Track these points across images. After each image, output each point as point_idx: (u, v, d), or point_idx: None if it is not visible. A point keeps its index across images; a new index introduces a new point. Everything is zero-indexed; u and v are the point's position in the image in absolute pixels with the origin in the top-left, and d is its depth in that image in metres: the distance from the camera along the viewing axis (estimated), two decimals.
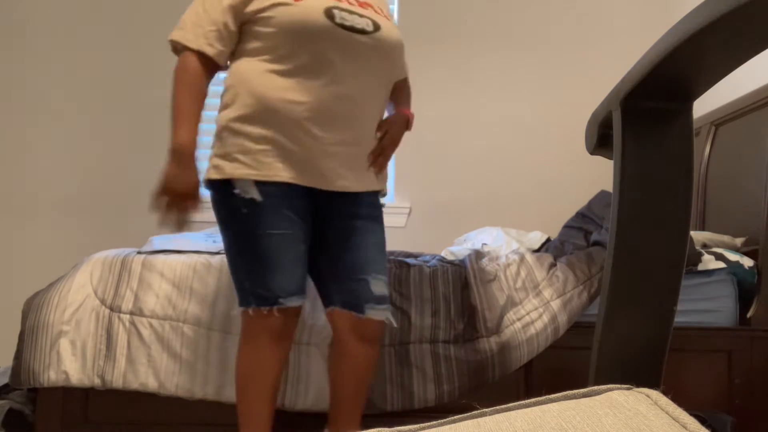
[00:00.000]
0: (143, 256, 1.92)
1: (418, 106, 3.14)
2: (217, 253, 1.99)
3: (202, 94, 1.54)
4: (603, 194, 2.43)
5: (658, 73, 0.84)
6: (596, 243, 2.13)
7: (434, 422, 0.56)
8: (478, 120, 3.19)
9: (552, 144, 3.16)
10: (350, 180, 1.53)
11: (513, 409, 0.54)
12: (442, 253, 2.46)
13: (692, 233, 2.19)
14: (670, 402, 0.50)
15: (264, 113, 1.45)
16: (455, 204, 3.13)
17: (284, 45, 1.44)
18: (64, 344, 1.78)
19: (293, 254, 1.48)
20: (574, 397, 0.54)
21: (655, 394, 0.52)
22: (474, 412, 0.55)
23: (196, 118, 1.50)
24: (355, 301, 1.52)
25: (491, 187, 3.15)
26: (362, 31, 1.47)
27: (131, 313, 1.82)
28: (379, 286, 1.52)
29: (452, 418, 0.56)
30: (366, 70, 1.50)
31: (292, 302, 1.48)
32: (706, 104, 2.63)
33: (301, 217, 1.49)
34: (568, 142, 3.14)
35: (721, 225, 2.42)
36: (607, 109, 1.00)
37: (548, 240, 2.52)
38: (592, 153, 1.12)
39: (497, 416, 0.53)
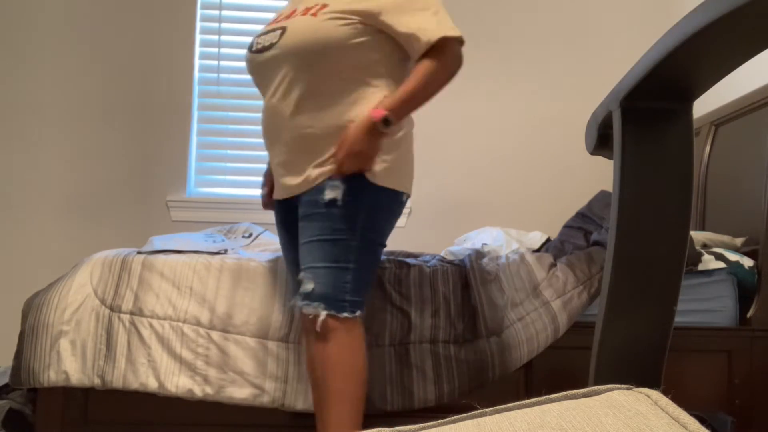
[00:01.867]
0: (143, 256, 1.92)
1: None
2: (217, 253, 1.99)
3: None
4: (603, 194, 2.43)
5: (658, 73, 0.84)
6: (596, 243, 2.13)
7: (434, 422, 0.56)
8: (478, 120, 3.19)
9: (552, 144, 3.16)
10: (280, 189, 1.64)
11: (513, 409, 0.54)
12: (442, 253, 2.46)
13: (692, 233, 2.19)
14: (670, 402, 0.50)
15: None
16: (455, 204, 3.13)
17: None
18: (64, 344, 1.78)
19: (287, 262, 1.75)
20: (574, 397, 0.54)
21: (655, 394, 0.52)
22: (474, 412, 0.55)
23: None
24: (297, 299, 1.58)
25: (491, 187, 3.15)
26: (269, 46, 1.55)
27: (131, 313, 1.82)
28: (305, 284, 1.52)
29: (452, 418, 0.56)
30: (271, 80, 1.57)
31: (291, 302, 1.71)
32: (706, 104, 2.62)
33: (285, 229, 1.71)
34: (568, 142, 3.14)
35: (721, 225, 2.42)
36: (607, 109, 1.00)
37: (548, 240, 2.52)
38: (592, 153, 1.12)
39: (497, 416, 0.53)
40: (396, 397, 1.80)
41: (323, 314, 1.49)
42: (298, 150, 1.55)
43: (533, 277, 1.97)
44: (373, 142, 1.47)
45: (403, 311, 1.86)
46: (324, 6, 1.52)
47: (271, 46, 1.54)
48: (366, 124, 1.46)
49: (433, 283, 1.91)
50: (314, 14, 1.52)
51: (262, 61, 1.57)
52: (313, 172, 1.52)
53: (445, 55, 1.52)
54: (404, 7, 1.51)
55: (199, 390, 1.77)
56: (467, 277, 1.93)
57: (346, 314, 1.49)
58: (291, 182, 1.57)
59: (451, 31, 1.51)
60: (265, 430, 1.83)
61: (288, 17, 1.58)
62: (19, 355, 1.79)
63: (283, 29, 1.54)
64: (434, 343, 1.85)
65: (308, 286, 1.51)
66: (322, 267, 1.50)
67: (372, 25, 1.52)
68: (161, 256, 1.92)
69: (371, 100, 1.52)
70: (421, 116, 3.11)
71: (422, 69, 1.51)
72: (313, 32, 1.50)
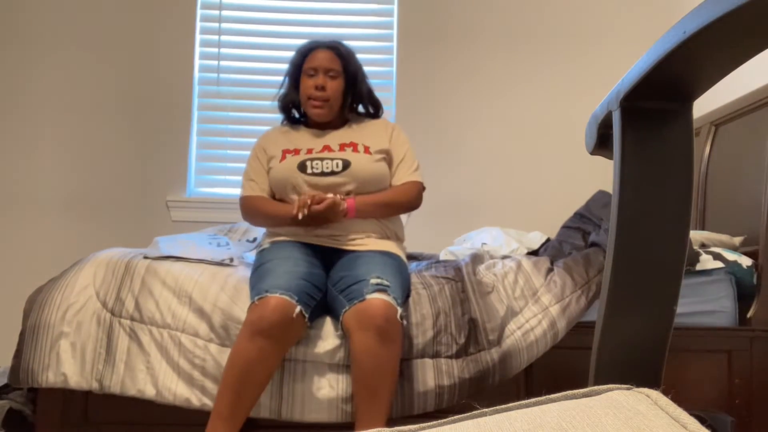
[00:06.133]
0: (148, 261, 1.90)
1: (418, 106, 3.14)
2: (221, 262, 1.98)
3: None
4: (601, 194, 2.43)
5: (658, 73, 0.84)
6: (594, 244, 2.13)
7: (434, 422, 0.56)
8: (478, 120, 3.19)
9: (552, 144, 3.16)
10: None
11: (513, 409, 0.54)
12: (441, 254, 2.45)
13: (690, 233, 2.19)
14: (670, 402, 0.50)
15: None
16: (455, 204, 3.13)
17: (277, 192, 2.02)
18: (65, 345, 1.77)
19: (297, 276, 1.75)
20: (574, 397, 0.54)
21: (655, 394, 0.52)
22: (474, 412, 0.55)
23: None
24: (356, 293, 1.68)
25: (491, 187, 3.15)
26: (331, 173, 1.93)
27: (131, 319, 1.81)
28: (379, 279, 1.70)
29: (452, 418, 0.56)
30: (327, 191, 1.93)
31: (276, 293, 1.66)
32: (706, 104, 2.62)
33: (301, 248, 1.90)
34: (568, 142, 3.14)
35: (720, 225, 2.42)
36: (607, 109, 0.99)
37: (548, 240, 2.52)
38: (592, 153, 1.11)
39: (497, 416, 0.53)
40: (396, 405, 1.78)
41: (399, 310, 1.65)
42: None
43: (531, 284, 1.96)
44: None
45: (403, 328, 1.83)
46: (366, 148, 1.99)
47: (333, 172, 1.93)
48: (341, 212, 1.88)
49: (431, 300, 1.89)
50: (368, 153, 1.98)
51: (325, 181, 1.94)
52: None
53: (419, 194, 2.06)
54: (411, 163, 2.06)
55: (196, 400, 1.75)
56: (465, 291, 1.91)
57: (404, 318, 1.68)
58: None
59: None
60: (264, 431, 1.83)
61: (342, 147, 1.98)
62: (18, 354, 1.78)
63: (345, 163, 1.94)
64: (436, 358, 1.82)
65: (384, 281, 1.69)
66: (392, 276, 1.75)
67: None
68: (166, 263, 1.91)
69: None
70: (421, 117, 3.12)
71: (403, 187, 2.01)
72: (372, 171, 1.96)
